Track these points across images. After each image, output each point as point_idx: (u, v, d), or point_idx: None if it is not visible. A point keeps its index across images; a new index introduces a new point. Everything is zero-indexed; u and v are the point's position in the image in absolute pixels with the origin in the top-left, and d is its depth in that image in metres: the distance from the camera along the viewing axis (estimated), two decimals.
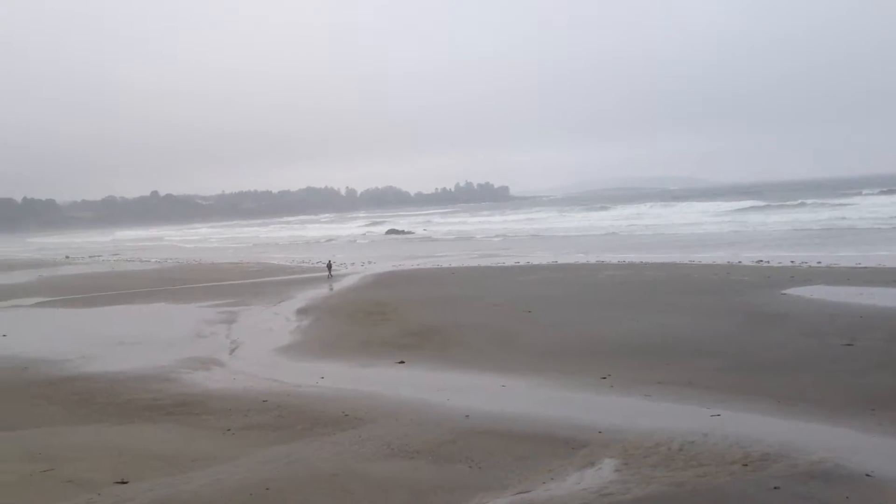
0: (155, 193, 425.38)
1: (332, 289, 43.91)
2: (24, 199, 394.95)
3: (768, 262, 44.46)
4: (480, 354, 22.59)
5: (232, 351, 25.47)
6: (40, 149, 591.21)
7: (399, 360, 22.25)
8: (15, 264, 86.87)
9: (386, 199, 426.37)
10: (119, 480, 12.40)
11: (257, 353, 25.05)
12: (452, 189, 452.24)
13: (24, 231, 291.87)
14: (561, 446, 13.59)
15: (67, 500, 11.54)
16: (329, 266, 52.63)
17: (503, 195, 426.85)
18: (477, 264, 55.17)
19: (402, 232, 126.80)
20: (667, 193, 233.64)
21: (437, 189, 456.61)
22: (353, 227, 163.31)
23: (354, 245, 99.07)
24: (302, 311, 33.61)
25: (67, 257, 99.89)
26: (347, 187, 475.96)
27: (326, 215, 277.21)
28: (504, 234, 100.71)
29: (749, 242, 62.17)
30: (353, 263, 60.40)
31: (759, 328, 24.07)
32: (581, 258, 54.45)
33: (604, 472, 12.13)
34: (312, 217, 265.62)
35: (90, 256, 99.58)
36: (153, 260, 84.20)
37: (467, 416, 15.75)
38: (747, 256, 48.63)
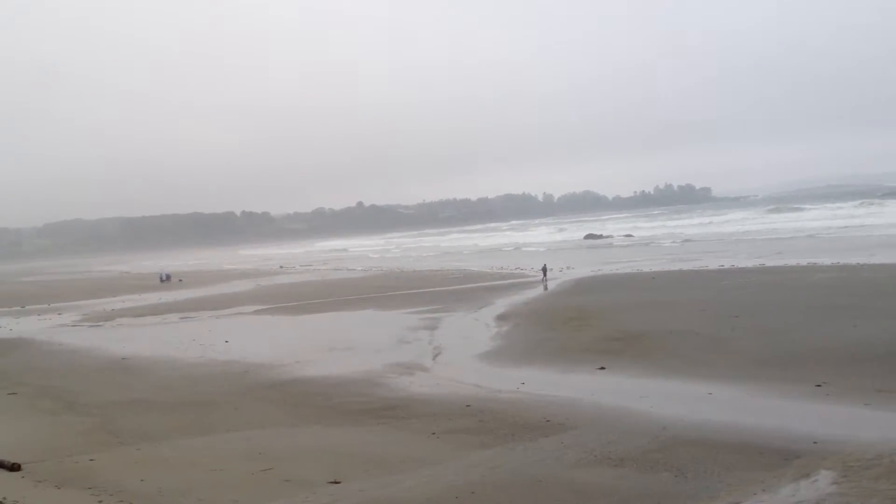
0: (360, 204, 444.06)
1: (546, 288, 45.81)
2: (243, 212, 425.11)
3: None
4: (685, 361, 21.90)
5: (435, 356, 26.08)
6: (258, 165, 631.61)
7: (600, 367, 21.98)
8: (236, 274, 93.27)
9: (583, 204, 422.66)
10: (332, 480, 12.99)
11: (459, 358, 25.51)
12: (651, 192, 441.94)
13: (243, 242, 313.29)
14: (772, 457, 12.98)
15: (285, 499, 12.23)
16: (544, 270, 52.98)
17: (705, 196, 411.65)
18: (678, 268, 53.64)
19: (600, 236, 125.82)
20: (879, 190, 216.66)
21: (635, 192, 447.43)
22: (550, 232, 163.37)
23: (552, 250, 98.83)
24: (501, 318, 33.95)
25: (281, 267, 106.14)
26: (545, 193, 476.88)
27: (523, 221, 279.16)
28: (702, 238, 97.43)
29: None
30: (551, 269, 60.28)
31: None
32: (790, 261, 51.56)
33: (820, 484, 11.46)
34: (510, 223, 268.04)
35: (301, 266, 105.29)
36: (359, 269, 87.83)
37: (664, 427, 15.28)
38: None
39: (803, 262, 49.33)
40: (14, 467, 14.30)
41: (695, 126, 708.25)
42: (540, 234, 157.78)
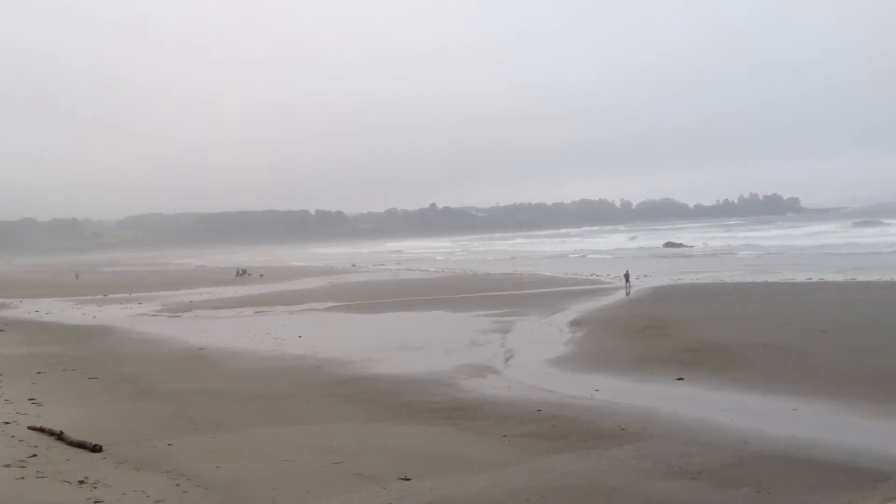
0: (433, 206, 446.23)
1: (628, 294, 45.82)
2: (317, 210, 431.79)
3: None
4: (768, 375, 21.14)
5: (506, 360, 25.78)
6: (332, 165, 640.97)
7: (678, 377, 21.38)
8: (309, 271, 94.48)
9: (663, 212, 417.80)
10: (403, 477, 12.86)
11: (531, 362, 25.17)
12: (735, 201, 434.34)
13: (316, 240, 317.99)
14: (860, 477, 12.40)
15: (355, 493, 12.14)
16: (627, 277, 52.42)
17: (792, 207, 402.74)
18: (763, 280, 52.23)
19: (679, 245, 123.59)
20: None
21: (718, 201, 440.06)
22: (627, 239, 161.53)
23: (629, 258, 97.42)
24: (575, 323, 33.45)
25: (354, 265, 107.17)
26: (622, 199, 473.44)
27: (599, 227, 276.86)
28: (786, 249, 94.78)
29: None
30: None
31: None
32: (883, 276, 49.42)
33: None
34: (585, 229, 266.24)
35: (374, 265, 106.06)
36: (431, 270, 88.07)
37: (745, 441, 14.72)
38: None
39: None
40: (96, 448, 14.60)
41: (785, 133, 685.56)
42: (616, 241, 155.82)
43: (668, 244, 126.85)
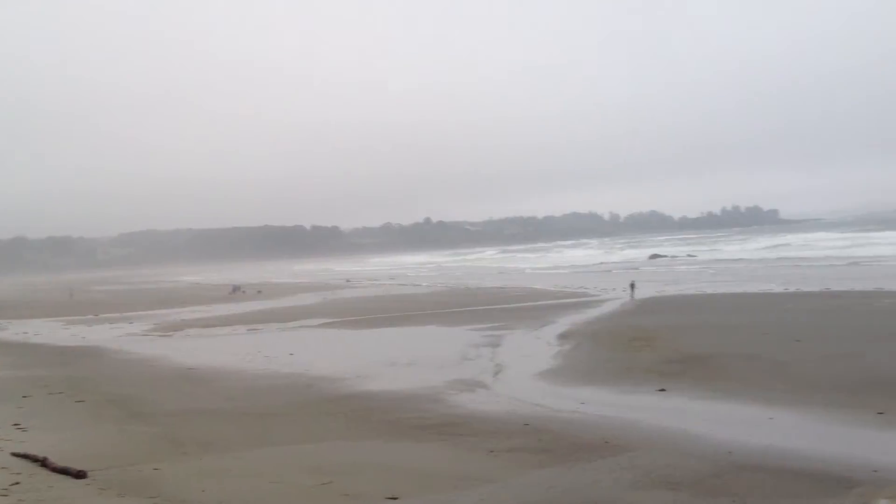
0: (427, 220, 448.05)
1: (632, 298, 48.32)
2: (312, 226, 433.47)
3: None
4: (746, 384, 21.58)
5: (496, 374, 26.13)
6: (328, 180, 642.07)
7: (660, 388, 21.86)
8: (303, 287, 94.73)
9: (650, 224, 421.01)
10: (390, 496, 13.14)
11: (519, 376, 25.53)
12: (718, 213, 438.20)
13: (311, 255, 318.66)
14: (832, 484, 12.80)
15: None
16: (632, 286, 53.63)
17: (772, 219, 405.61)
18: (742, 290, 52.84)
19: (665, 257, 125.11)
20: None
21: (702, 213, 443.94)
22: (614, 251, 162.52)
23: (616, 270, 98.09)
24: (563, 336, 33.89)
25: (348, 281, 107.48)
26: (611, 212, 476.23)
27: (588, 240, 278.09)
28: (767, 260, 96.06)
29: None
30: (613, 289, 59.92)
31: None
32: (855, 286, 50.37)
33: None
34: (574, 242, 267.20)
35: (368, 280, 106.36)
36: (424, 284, 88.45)
37: (730, 452, 15.11)
38: None
39: (870, 287, 48.20)
40: (80, 475, 14.42)
41: (765, 149, 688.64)
42: (604, 254, 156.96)
43: (654, 256, 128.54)
